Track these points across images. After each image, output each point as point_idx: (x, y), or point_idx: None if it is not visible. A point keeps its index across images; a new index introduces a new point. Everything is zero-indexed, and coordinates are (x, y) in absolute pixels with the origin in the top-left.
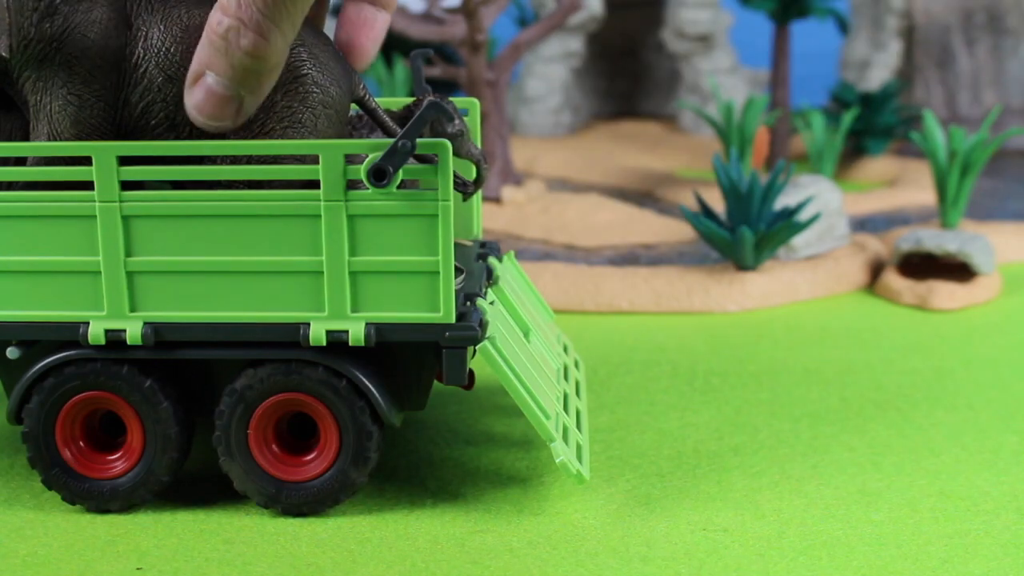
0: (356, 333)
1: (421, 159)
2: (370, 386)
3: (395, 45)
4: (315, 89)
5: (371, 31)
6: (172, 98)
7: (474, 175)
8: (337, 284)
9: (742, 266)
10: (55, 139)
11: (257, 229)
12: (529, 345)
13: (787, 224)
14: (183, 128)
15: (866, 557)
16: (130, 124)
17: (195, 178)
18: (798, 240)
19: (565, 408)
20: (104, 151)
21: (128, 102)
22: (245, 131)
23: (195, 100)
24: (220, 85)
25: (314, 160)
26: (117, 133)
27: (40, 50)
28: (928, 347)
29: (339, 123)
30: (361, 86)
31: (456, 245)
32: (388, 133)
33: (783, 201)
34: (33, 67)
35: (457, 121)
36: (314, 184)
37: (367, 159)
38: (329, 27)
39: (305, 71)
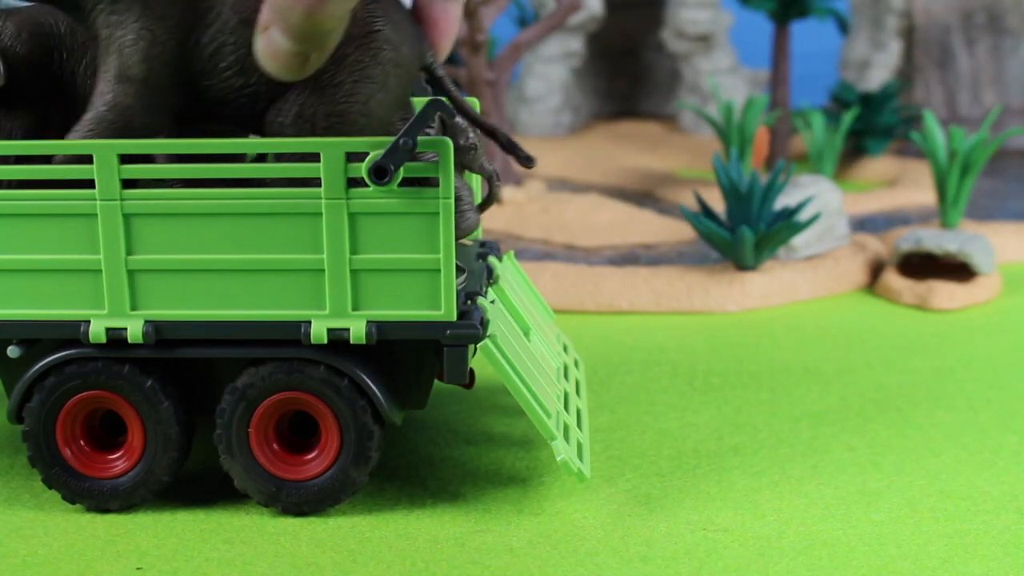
0: (357, 331)
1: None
2: (371, 385)
3: None
4: (386, 47)
5: (446, 26)
6: (244, 41)
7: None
8: (338, 282)
9: (742, 266)
10: (124, 74)
11: (258, 227)
12: (529, 344)
13: (787, 224)
14: (252, 73)
15: (866, 557)
16: (199, 65)
17: (196, 176)
18: (798, 240)
19: (565, 407)
20: (105, 149)
21: (199, 43)
22: (315, 82)
23: (262, 50)
24: (283, 41)
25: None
26: (186, 73)
27: None
28: (928, 347)
29: (407, 83)
30: (430, 53)
31: (456, 245)
32: (455, 102)
33: (783, 201)
34: None
35: (471, 135)
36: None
37: (368, 157)
38: None
39: (378, 27)
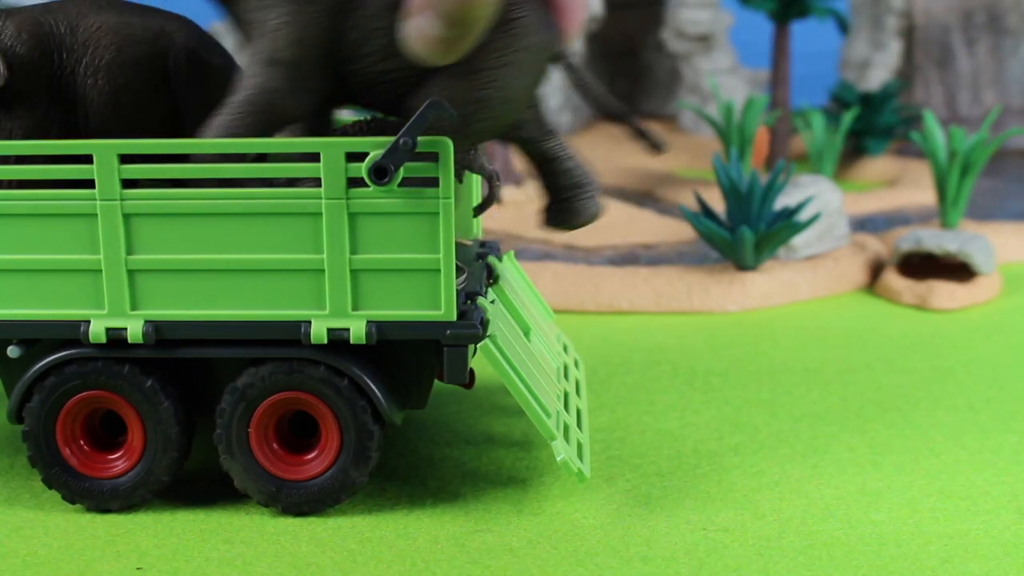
0: (357, 331)
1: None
2: (371, 385)
3: None
4: (527, 33)
5: (574, 13)
6: (392, 27)
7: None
8: (338, 282)
9: (742, 266)
10: (273, 57)
11: (258, 227)
12: (529, 344)
13: (787, 224)
14: (398, 59)
15: (866, 557)
16: (346, 49)
17: (196, 176)
18: (798, 240)
19: (566, 407)
20: (105, 149)
21: (346, 27)
22: (458, 67)
23: (412, 34)
24: (431, 26)
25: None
26: (333, 57)
27: None
28: (928, 347)
29: (543, 71)
30: (561, 40)
31: (456, 245)
32: (588, 88)
33: (783, 201)
34: None
35: None
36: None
37: (368, 157)
38: None
39: (520, 14)
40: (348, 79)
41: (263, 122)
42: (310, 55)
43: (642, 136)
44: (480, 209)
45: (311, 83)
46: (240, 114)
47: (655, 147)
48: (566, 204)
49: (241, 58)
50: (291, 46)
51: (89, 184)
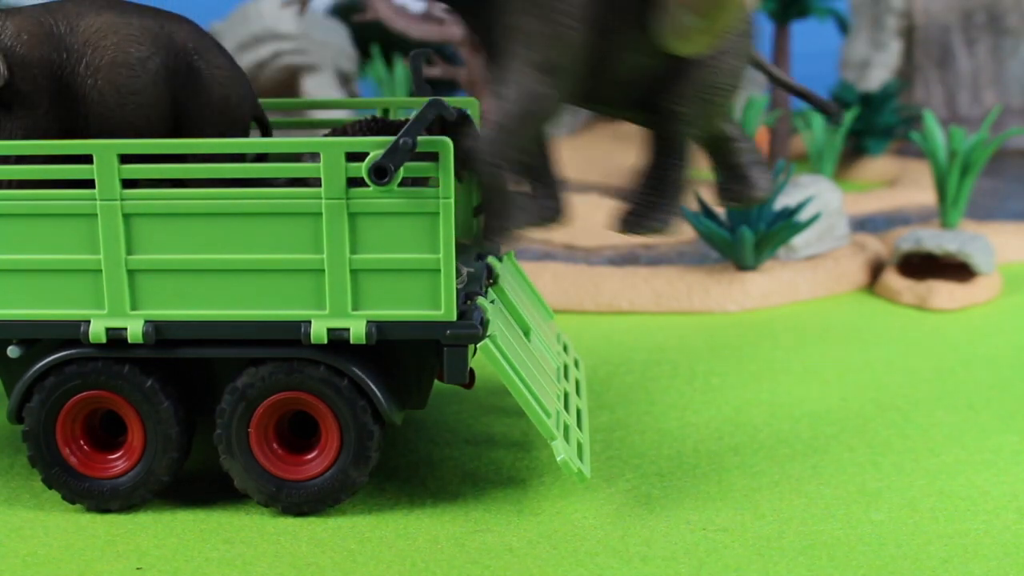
0: (357, 331)
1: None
2: (371, 385)
3: (395, 45)
4: (752, 26)
5: None
6: (643, 20)
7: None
8: (338, 282)
9: (742, 266)
10: (544, 63)
11: (258, 227)
12: (529, 344)
13: (787, 224)
14: (651, 53)
15: (866, 557)
16: (598, 44)
17: (196, 176)
18: (798, 240)
19: (566, 407)
20: (105, 149)
21: (600, 25)
22: (703, 59)
23: (669, 27)
24: (686, 16)
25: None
26: (590, 58)
27: None
28: (928, 347)
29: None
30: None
31: (457, 245)
32: (768, 72)
33: (783, 201)
34: None
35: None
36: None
37: (368, 157)
38: None
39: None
40: (604, 77)
41: (535, 128)
42: (576, 58)
43: (822, 109)
44: (480, 210)
45: (572, 86)
46: (520, 123)
47: (834, 118)
48: (742, 181)
49: (477, 62)
50: (562, 51)
51: (89, 184)
